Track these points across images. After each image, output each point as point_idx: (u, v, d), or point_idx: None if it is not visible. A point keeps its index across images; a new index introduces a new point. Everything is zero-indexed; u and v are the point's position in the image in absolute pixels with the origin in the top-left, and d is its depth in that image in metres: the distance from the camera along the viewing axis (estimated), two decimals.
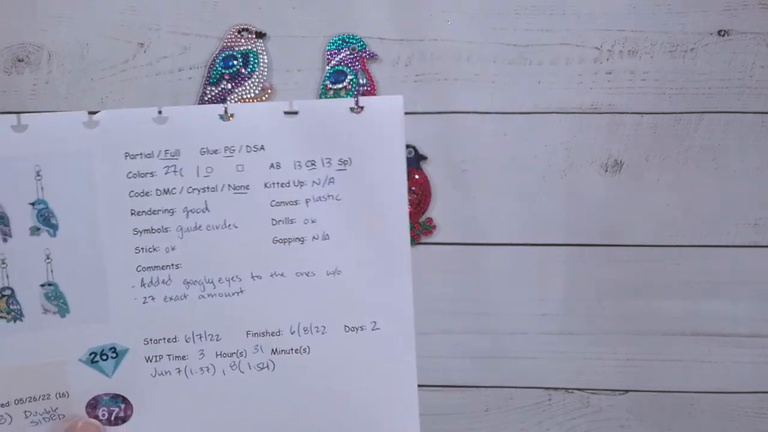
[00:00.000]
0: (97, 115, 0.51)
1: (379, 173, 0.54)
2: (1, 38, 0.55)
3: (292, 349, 0.56)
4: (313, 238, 0.54)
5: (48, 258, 0.53)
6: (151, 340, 0.55)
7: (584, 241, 0.57)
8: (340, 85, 0.55)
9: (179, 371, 0.55)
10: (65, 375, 0.55)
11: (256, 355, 0.55)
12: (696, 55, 0.55)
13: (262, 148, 0.53)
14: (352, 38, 0.55)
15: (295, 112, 0.52)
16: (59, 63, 0.55)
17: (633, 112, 0.56)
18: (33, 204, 0.52)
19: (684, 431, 0.60)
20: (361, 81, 0.55)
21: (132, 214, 0.52)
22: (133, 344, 0.55)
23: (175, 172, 0.52)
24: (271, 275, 0.55)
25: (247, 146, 0.53)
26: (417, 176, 0.57)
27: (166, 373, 0.55)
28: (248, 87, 0.55)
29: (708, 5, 0.55)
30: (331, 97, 0.55)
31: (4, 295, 0.53)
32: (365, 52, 0.55)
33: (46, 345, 0.54)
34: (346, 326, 0.55)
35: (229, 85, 0.55)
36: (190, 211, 0.53)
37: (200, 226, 0.53)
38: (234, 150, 0.52)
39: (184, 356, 0.55)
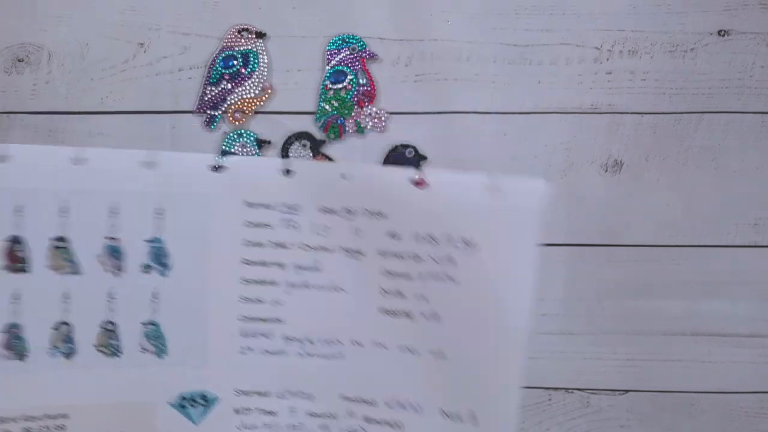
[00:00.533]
0: (225, 159, 0.51)
1: (506, 260, 0.50)
2: (0, 38, 0.55)
3: (385, 421, 0.53)
4: (422, 315, 0.51)
5: (155, 297, 0.52)
6: (242, 391, 0.53)
7: (584, 241, 0.57)
8: (340, 85, 0.55)
9: (267, 427, 0.53)
10: (153, 417, 0.53)
11: (347, 420, 0.53)
12: (696, 55, 0.55)
13: (383, 215, 0.50)
14: (352, 38, 0.55)
15: (425, 183, 0.49)
16: (59, 63, 0.55)
17: (633, 112, 0.56)
18: (149, 241, 0.51)
19: (684, 431, 0.60)
20: (361, 81, 0.55)
21: (243, 263, 0.51)
22: (224, 394, 0.53)
23: (292, 226, 0.51)
24: (373, 344, 0.52)
25: (368, 210, 0.50)
26: (417, 177, 0.57)
27: (253, 427, 0.53)
28: (248, 87, 0.55)
29: (708, 5, 0.55)
30: (330, 98, 0.55)
31: (106, 330, 0.52)
32: (365, 52, 0.55)
33: (139, 384, 0.53)
34: (443, 411, 0.52)
35: (229, 85, 0.55)
36: (301, 268, 0.51)
37: (309, 285, 0.51)
38: (353, 213, 0.50)
39: (274, 412, 0.53)
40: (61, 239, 0.50)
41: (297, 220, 0.51)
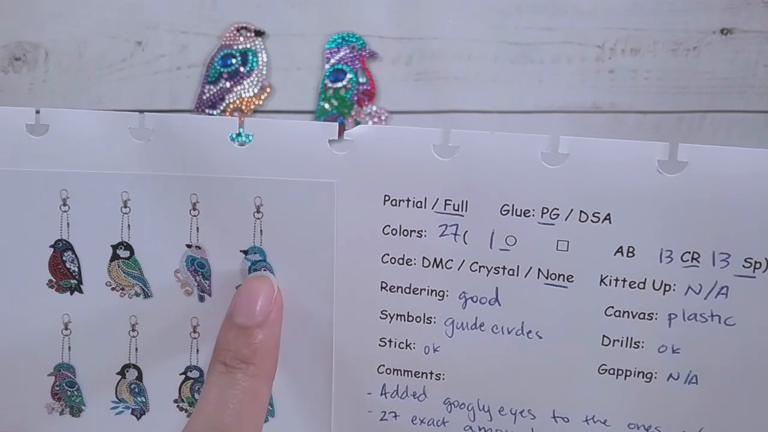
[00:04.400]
0: (351, 131, 0.35)
1: None
2: None
3: None
4: (670, 377, 0.35)
5: None
6: None
7: None
8: (339, 84, 0.54)
9: None
10: None
11: None
12: (699, 53, 0.55)
13: (608, 218, 0.34)
14: (352, 36, 0.54)
15: (683, 163, 0.33)
16: (56, 62, 0.54)
17: (635, 111, 0.55)
18: (246, 253, 0.37)
19: None
20: (360, 80, 0.54)
21: (382, 288, 0.36)
22: None
23: (455, 235, 0.35)
24: (587, 420, 0.36)
25: (583, 212, 0.34)
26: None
27: None
28: (247, 86, 0.54)
29: (711, 3, 0.54)
30: (330, 96, 0.54)
31: (189, 378, 0.37)
32: (365, 51, 0.54)
33: None
34: None
35: (228, 84, 0.54)
36: (470, 298, 0.36)
37: (482, 325, 0.36)
38: (558, 214, 0.34)
39: None
40: (125, 246, 0.37)
41: (464, 225, 0.35)
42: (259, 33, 0.54)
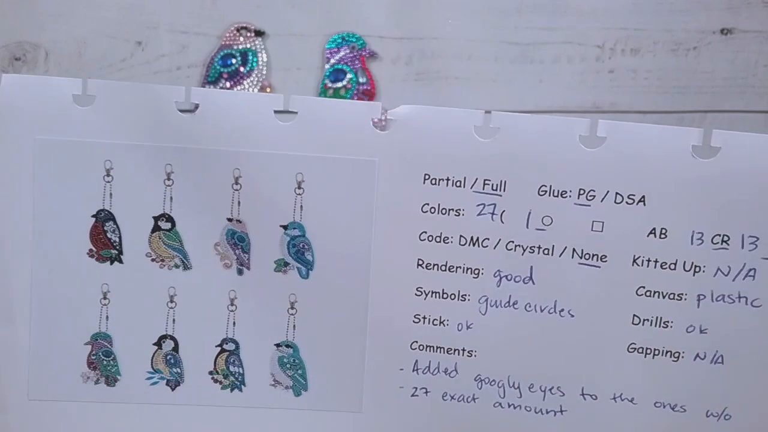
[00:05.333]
0: (394, 110, 0.36)
1: None
2: None
3: None
4: (697, 357, 0.35)
5: (292, 308, 0.37)
6: None
7: None
8: (339, 84, 0.54)
9: None
10: None
11: None
12: (699, 53, 0.55)
13: (642, 201, 0.34)
14: (352, 36, 0.54)
15: (716, 149, 0.33)
16: (56, 62, 0.54)
17: (635, 111, 0.56)
18: (285, 228, 0.37)
19: None
20: (360, 80, 0.54)
21: (419, 265, 0.36)
22: None
23: (492, 214, 0.35)
24: (614, 398, 0.37)
25: (618, 194, 0.34)
26: None
27: None
28: (247, 86, 0.54)
29: (711, 3, 0.54)
30: (330, 96, 0.54)
31: (225, 350, 0.38)
32: (365, 51, 0.54)
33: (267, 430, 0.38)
34: None
35: (228, 84, 0.54)
36: (504, 276, 0.36)
37: (515, 303, 0.36)
38: (594, 195, 0.34)
39: None
40: (166, 218, 0.37)
41: (502, 205, 0.35)
42: (259, 33, 0.54)
